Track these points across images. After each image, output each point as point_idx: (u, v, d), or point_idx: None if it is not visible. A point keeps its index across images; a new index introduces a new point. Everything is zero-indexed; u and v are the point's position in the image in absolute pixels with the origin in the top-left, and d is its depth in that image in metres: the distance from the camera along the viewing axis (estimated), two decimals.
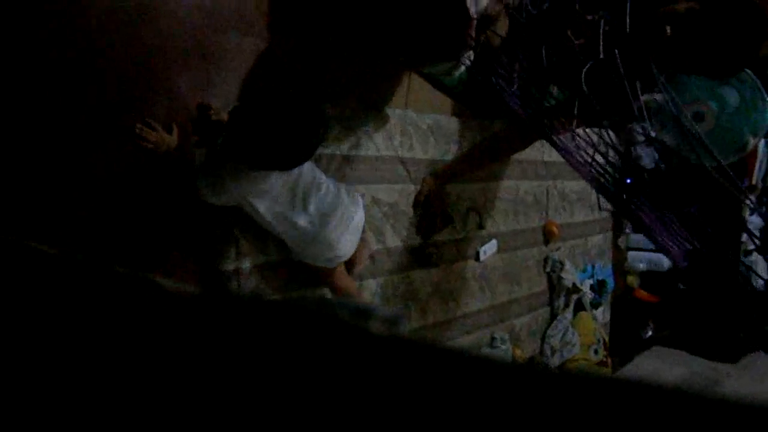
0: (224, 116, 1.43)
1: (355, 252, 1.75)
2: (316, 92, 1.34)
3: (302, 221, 1.45)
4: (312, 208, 1.46)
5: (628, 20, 1.10)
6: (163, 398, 0.27)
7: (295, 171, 1.42)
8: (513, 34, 1.46)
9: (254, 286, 1.55)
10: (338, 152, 1.73)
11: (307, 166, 1.47)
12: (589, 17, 1.15)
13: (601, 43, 1.09)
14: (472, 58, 1.72)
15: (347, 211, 1.54)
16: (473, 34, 1.61)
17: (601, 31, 1.10)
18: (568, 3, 1.23)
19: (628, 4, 1.11)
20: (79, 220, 1.26)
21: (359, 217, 1.60)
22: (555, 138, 1.36)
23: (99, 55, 1.26)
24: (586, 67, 1.12)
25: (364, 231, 1.81)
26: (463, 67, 1.86)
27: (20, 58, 1.15)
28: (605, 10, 1.12)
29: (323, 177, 1.53)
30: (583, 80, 1.13)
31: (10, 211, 1.16)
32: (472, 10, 1.54)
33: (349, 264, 1.76)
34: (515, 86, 1.41)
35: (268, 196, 1.41)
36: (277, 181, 1.40)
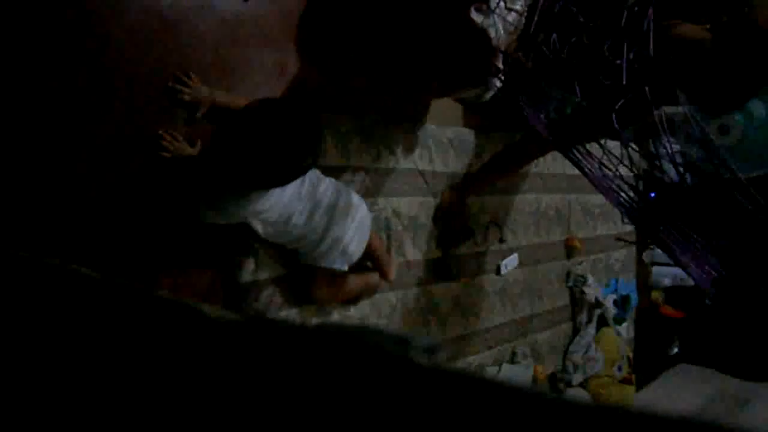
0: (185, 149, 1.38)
1: (383, 260, 1.74)
2: (309, 104, 1.32)
3: (304, 219, 1.45)
4: (314, 205, 1.46)
5: (651, 45, 1.09)
6: (207, 427, 0.27)
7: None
8: (538, 68, 1.46)
9: (272, 299, 1.55)
10: (358, 164, 1.73)
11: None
12: (618, 62, 1.14)
13: (626, 76, 1.08)
14: (501, 82, 1.72)
15: (350, 206, 1.54)
16: (498, 63, 1.61)
17: (624, 65, 1.09)
18: (594, 47, 1.22)
19: (651, 33, 1.10)
20: (97, 232, 1.28)
21: (363, 212, 1.60)
22: (576, 155, 1.35)
23: (122, 68, 1.28)
24: (617, 105, 1.11)
25: (389, 241, 1.81)
26: (492, 92, 1.87)
27: (48, 71, 1.18)
28: (635, 46, 1.11)
29: (322, 176, 1.52)
30: (614, 120, 1.11)
31: (27, 223, 1.18)
32: (496, 40, 1.55)
33: (380, 274, 1.76)
34: (543, 114, 1.40)
35: (274, 208, 1.38)
36: (281, 193, 1.38)
